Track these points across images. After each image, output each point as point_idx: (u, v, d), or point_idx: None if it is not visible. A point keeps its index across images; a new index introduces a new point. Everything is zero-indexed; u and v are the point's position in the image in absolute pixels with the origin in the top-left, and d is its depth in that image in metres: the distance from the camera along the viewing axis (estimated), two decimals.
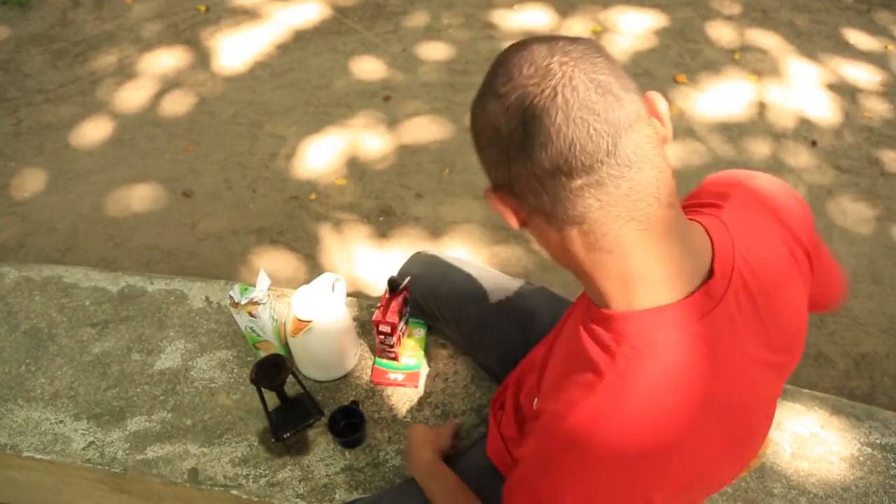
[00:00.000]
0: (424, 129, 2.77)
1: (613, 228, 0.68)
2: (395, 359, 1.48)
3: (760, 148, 2.65)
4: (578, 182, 0.65)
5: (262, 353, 1.48)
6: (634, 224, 0.68)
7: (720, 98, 2.84)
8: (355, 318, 1.57)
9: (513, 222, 0.75)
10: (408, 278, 1.43)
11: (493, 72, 0.69)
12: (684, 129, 2.72)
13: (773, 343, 0.78)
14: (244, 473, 1.35)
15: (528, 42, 0.69)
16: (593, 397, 0.69)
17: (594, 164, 0.65)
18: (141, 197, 2.63)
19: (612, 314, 0.72)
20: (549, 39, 0.68)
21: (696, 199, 0.85)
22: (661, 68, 2.97)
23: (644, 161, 0.66)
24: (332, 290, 1.41)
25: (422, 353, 1.51)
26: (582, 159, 0.64)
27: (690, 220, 0.75)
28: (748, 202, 0.82)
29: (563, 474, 0.70)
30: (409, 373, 1.47)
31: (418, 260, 1.51)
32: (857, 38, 3.10)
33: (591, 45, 0.67)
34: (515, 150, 0.66)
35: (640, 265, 0.69)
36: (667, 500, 0.72)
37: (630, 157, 0.65)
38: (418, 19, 3.29)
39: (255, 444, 1.39)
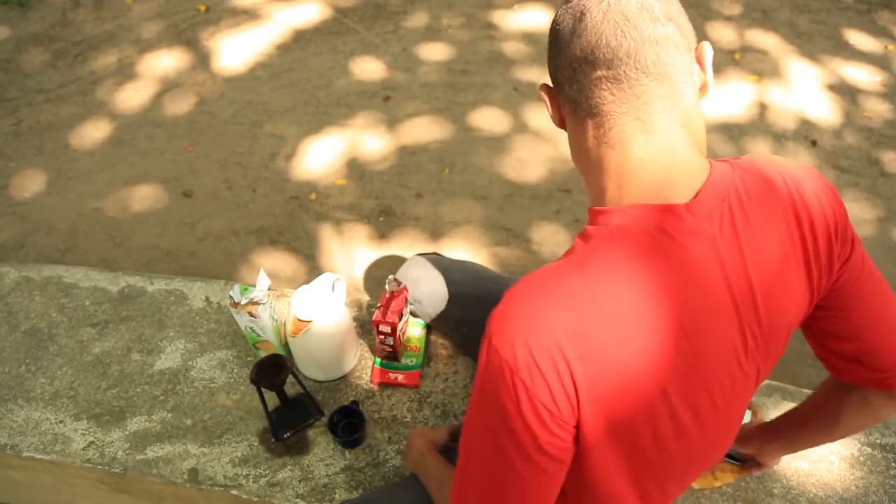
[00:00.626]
0: (424, 129, 2.77)
1: (619, 123, 0.75)
2: (395, 359, 1.48)
3: (760, 148, 2.65)
4: (599, 73, 0.75)
5: (262, 353, 1.48)
6: (638, 124, 0.75)
7: (720, 98, 2.84)
8: (355, 318, 1.57)
9: (554, 117, 0.85)
10: (408, 278, 1.43)
11: None
12: None
13: (751, 293, 0.76)
14: (244, 473, 1.35)
15: None
16: (559, 262, 0.74)
17: (614, 60, 0.73)
18: (141, 197, 2.63)
19: (602, 209, 0.76)
20: None
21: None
22: None
23: (663, 76, 0.74)
24: (332, 290, 1.41)
25: (422, 353, 1.51)
26: (605, 52, 0.74)
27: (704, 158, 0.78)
28: (765, 168, 0.80)
29: (517, 319, 0.71)
30: (409, 373, 1.47)
31: (418, 261, 1.51)
32: (858, 38, 3.10)
33: None
34: (563, 41, 0.77)
35: (635, 162, 0.75)
36: (610, 395, 0.70)
37: (649, 65, 0.73)
38: (418, 19, 3.29)
39: (255, 444, 1.39)
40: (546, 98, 0.85)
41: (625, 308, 0.69)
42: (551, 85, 0.84)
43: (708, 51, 0.78)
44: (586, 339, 0.68)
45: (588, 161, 0.80)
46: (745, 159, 0.82)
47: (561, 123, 0.85)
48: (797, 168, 0.82)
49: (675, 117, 0.75)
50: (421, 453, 1.21)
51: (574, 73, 0.77)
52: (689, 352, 0.72)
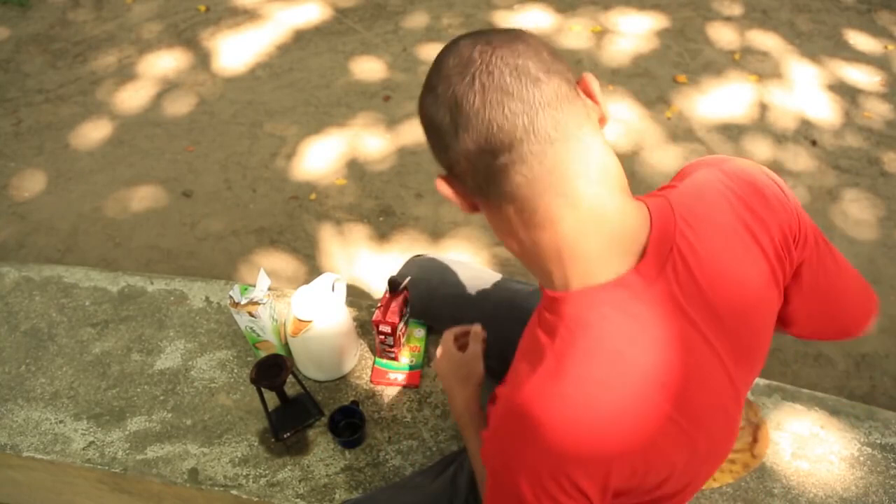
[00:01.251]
0: None
1: (542, 204, 0.70)
2: (395, 359, 1.48)
3: (760, 148, 2.65)
4: (502, 160, 0.69)
5: (262, 353, 1.48)
6: (562, 199, 0.70)
7: (720, 98, 2.84)
8: (355, 319, 1.57)
9: (463, 206, 0.78)
10: (407, 278, 1.43)
11: (431, 69, 0.74)
12: (684, 129, 2.73)
13: (724, 327, 0.76)
14: (244, 473, 1.35)
15: (460, 38, 0.73)
16: (535, 377, 0.71)
17: (513, 142, 0.68)
18: (141, 197, 2.63)
19: (555, 295, 0.74)
20: (479, 33, 0.72)
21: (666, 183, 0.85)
22: (661, 68, 2.97)
23: (567, 138, 0.69)
24: (332, 290, 1.41)
25: (422, 353, 1.51)
26: (500, 137, 0.68)
27: (637, 199, 0.75)
28: (707, 189, 0.79)
29: (511, 452, 0.72)
30: (409, 373, 1.47)
31: (417, 261, 1.51)
32: (858, 38, 3.10)
33: (517, 34, 0.71)
34: (447, 136, 0.71)
35: (571, 241, 0.71)
36: (621, 479, 0.72)
37: (551, 133, 0.68)
38: (418, 19, 3.29)
39: (255, 444, 1.39)
40: (448, 191, 0.77)
41: (614, 404, 0.70)
42: (447, 174, 0.77)
43: (592, 81, 0.74)
44: (586, 452, 0.70)
45: (520, 244, 0.75)
46: (684, 186, 0.79)
47: (472, 210, 0.79)
48: (741, 173, 0.80)
49: (594, 176, 0.70)
50: (468, 407, 1.16)
51: (474, 166, 0.71)
52: (685, 422, 0.74)
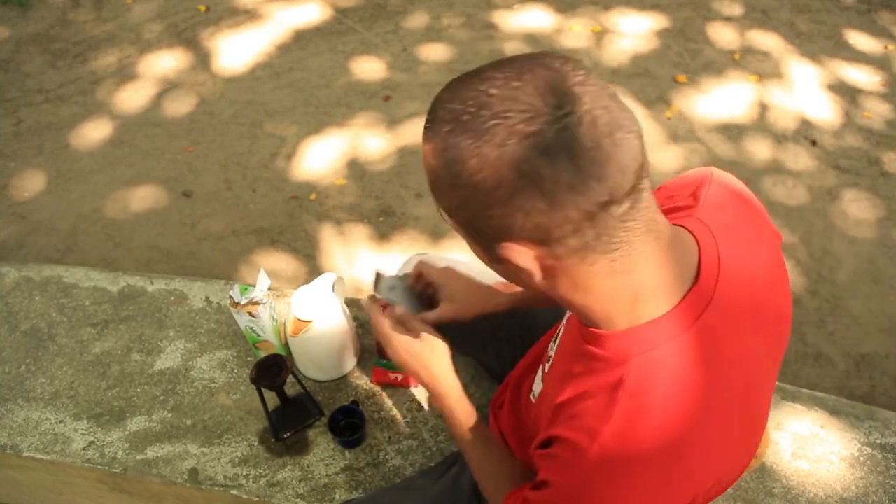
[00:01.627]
0: None
1: (637, 246, 0.65)
2: None
3: (760, 148, 2.65)
4: (625, 206, 0.61)
5: (262, 353, 1.47)
6: (653, 235, 0.66)
7: (720, 98, 2.84)
8: (355, 319, 1.57)
9: (535, 276, 0.68)
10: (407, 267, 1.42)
11: (496, 112, 0.60)
12: (684, 129, 2.73)
13: (766, 327, 0.79)
14: (244, 473, 1.35)
15: (523, 65, 0.63)
16: (612, 422, 0.68)
17: (636, 183, 0.61)
18: (141, 197, 2.63)
19: (612, 333, 0.70)
20: (533, 62, 0.63)
21: (667, 202, 0.84)
22: (661, 68, 2.97)
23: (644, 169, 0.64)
24: (332, 290, 1.41)
25: None
26: (630, 180, 0.60)
27: (673, 224, 0.75)
28: (722, 198, 0.82)
29: (599, 500, 0.70)
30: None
31: (416, 261, 1.51)
32: (858, 38, 3.10)
33: (573, 60, 0.64)
34: (564, 191, 0.59)
35: (652, 278, 0.68)
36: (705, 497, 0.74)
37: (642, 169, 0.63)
38: (418, 19, 3.29)
39: (255, 444, 1.39)
40: (518, 262, 0.66)
41: (702, 427, 0.70)
42: (520, 244, 0.65)
43: None
44: (693, 490, 0.71)
45: (586, 293, 0.69)
46: (705, 200, 0.80)
47: (541, 278, 0.69)
48: (735, 183, 0.85)
49: (654, 202, 0.66)
50: (444, 374, 1.03)
51: (592, 222, 0.61)
52: (748, 433, 0.78)
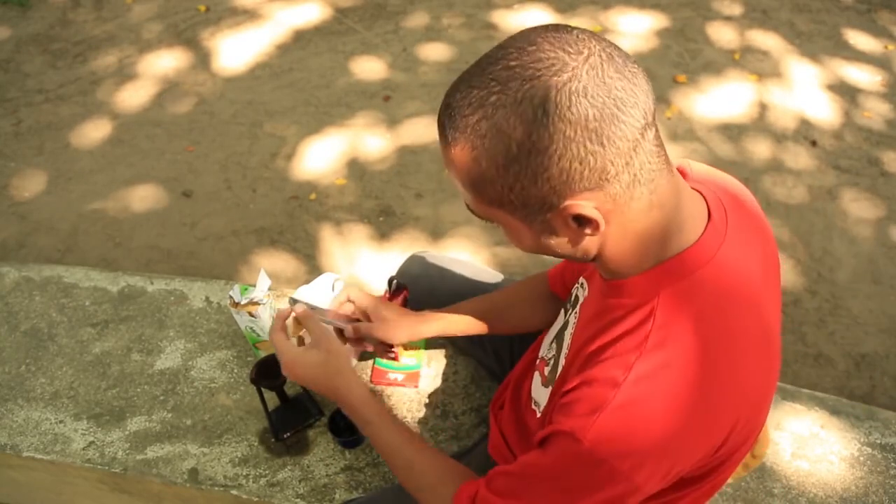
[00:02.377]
0: (424, 129, 2.76)
1: (665, 177, 0.69)
2: (395, 359, 1.48)
3: (760, 148, 2.65)
4: (654, 130, 0.66)
5: (262, 353, 1.48)
6: (670, 168, 0.70)
7: (720, 98, 2.84)
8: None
9: (601, 225, 0.68)
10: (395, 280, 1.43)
11: (525, 77, 0.63)
12: (684, 129, 2.73)
13: (773, 270, 0.84)
14: (244, 473, 1.35)
15: (528, 36, 0.66)
16: (644, 355, 0.70)
17: (654, 108, 0.66)
18: (141, 197, 2.63)
19: (640, 276, 0.74)
20: (529, 32, 0.67)
21: None
22: (661, 68, 2.97)
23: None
24: (332, 290, 1.41)
25: (422, 353, 1.51)
26: (651, 104, 0.65)
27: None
28: (712, 177, 0.87)
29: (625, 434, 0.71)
30: (409, 373, 1.47)
31: (417, 260, 1.51)
32: (858, 38, 3.10)
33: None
34: (609, 124, 0.62)
35: (678, 212, 0.72)
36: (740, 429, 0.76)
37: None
38: (418, 19, 3.29)
39: (255, 444, 1.39)
40: (588, 216, 0.67)
41: (736, 365, 0.73)
42: (581, 201, 0.67)
43: None
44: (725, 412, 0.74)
45: (632, 236, 0.72)
46: (707, 173, 0.87)
47: (594, 238, 0.72)
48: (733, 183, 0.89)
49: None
50: (337, 370, 1.00)
51: (635, 152, 0.65)
52: (773, 372, 0.80)
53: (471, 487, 0.87)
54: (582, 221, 0.69)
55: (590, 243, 0.73)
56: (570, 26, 0.66)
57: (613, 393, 0.70)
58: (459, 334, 1.21)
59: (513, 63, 0.64)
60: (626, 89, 0.63)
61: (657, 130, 0.68)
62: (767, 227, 0.86)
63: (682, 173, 0.83)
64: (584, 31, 0.65)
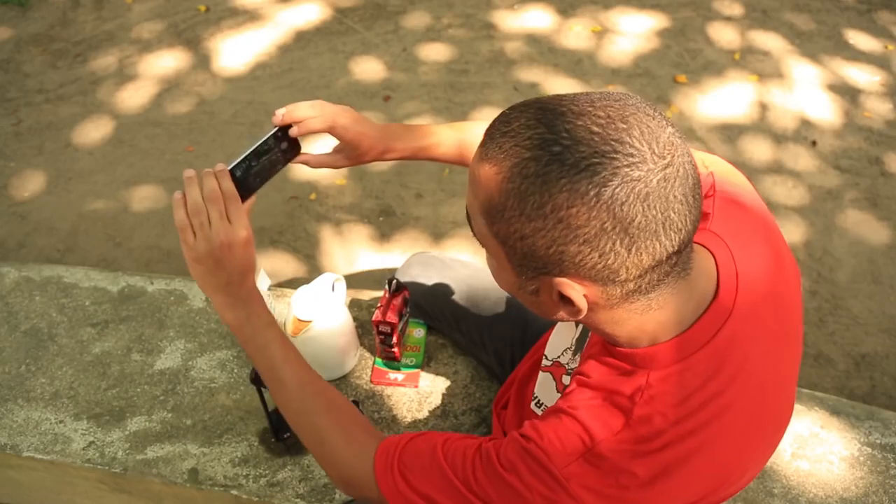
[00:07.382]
0: None
1: (672, 285, 0.68)
2: (395, 359, 1.48)
3: (760, 148, 2.65)
4: (682, 255, 0.66)
5: None
6: (686, 273, 0.68)
7: (720, 98, 2.84)
8: (355, 318, 1.57)
9: (581, 312, 0.68)
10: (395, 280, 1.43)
11: (598, 150, 0.59)
12: (684, 129, 2.73)
13: (785, 313, 0.79)
14: (244, 473, 1.35)
15: (625, 108, 0.62)
16: (620, 432, 0.70)
17: (687, 238, 0.64)
18: (141, 197, 2.63)
19: (635, 351, 0.72)
20: (631, 104, 0.62)
21: None
22: (661, 68, 2.97)
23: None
24: (332, 290, 1.41)
25: (422, 353, 1.51)
26: (694, 231, 0.64)
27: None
28: (728, 204, 0.82)
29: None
30: (409, 373, 1.47)
31: (417, 260, 1.51)
32: (858, 38, 3.10)
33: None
34: (647, 238, 0.61)
35: (679, 308, 0.70)
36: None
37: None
38: (418, 19, 3.29)
39: (255, 444, 1.39)
40: (571, 298, 0.66)
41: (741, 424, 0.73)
42: (575, 283, 0.65)
43: None
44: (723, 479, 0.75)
45: (615, 325, 0.71)
46: (717, 209, 0.80)
47: (572, 314, 0.70)
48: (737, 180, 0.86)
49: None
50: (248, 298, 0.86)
51: (658, 268, 0.64)
52: (776, 430, 0.83)
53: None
54: (566, 300, 0.67)
55: (565, 316, 0.71)
56: (667, 118, 0.63)
57: (587, 446, 0.70)
58: (434, 160, 1.09)
59: (595, 129, 0.60)
60: (681, 214, 0.61)
61: (690, 250, 0.67)
62: (787, 258, 0.83)
63: (703, 218, 0.79)
64: (678, 132, 0.62)
